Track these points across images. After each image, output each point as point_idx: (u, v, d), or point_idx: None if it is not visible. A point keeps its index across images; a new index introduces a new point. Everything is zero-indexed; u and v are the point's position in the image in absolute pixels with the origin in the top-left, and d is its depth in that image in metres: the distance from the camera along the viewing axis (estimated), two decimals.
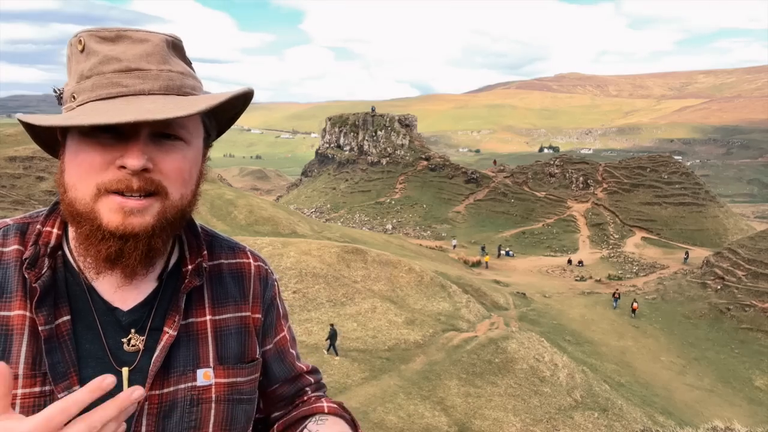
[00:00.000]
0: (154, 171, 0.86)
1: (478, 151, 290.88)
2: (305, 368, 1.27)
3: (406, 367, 18.70)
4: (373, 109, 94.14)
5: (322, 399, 1.23)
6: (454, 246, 57.39)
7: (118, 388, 0.91)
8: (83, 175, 0.86)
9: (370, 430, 14.83)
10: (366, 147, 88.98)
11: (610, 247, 58.85)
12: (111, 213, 0.86)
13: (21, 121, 0.89)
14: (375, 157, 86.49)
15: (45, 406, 0.83)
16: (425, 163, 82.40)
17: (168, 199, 0.89)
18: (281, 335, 1.20)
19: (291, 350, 1.23)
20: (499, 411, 17.32)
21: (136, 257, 0.89)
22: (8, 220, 0.99)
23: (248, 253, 1.16)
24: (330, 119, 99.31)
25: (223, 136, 1.11)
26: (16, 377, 0.87)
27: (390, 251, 33.87)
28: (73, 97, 0.87)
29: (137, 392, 0.75)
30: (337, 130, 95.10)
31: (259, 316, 1.12)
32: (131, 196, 0.85)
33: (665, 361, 29.22)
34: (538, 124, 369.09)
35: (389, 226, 68.68)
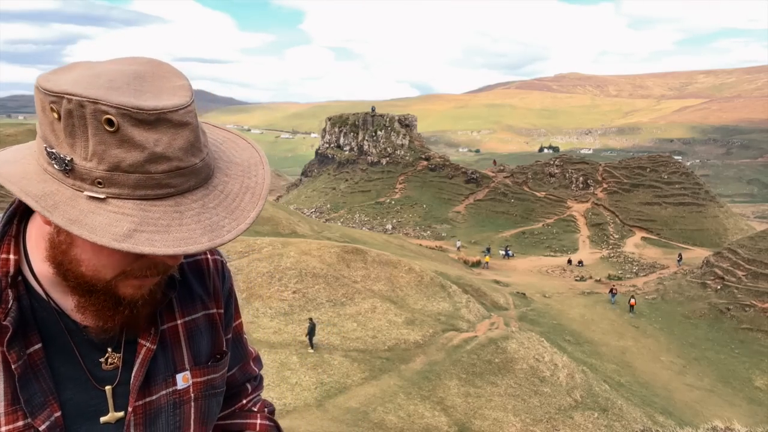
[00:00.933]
0: None
1: (478, 151, 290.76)
2: (253, 353, 1.35)
3: (406, 367, 18.70)
4: (373, 109, 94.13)
5: (257, 413, 1.30)
6: (459, 247, 56.74)
7: (102, 406, 0.94)
8: (111, 264, 0.83)
9: (370, 430, 14.83)
10: (366, 147, 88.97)
11: (610, 247, 58.83)
12: (128, 288, 0.87)
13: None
14: (375, 157, 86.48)
15: None
16: (425, 163, 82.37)
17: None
18: (238, 321, 1.26)
19: (244, 335, 1.30)
20: (499, 411, 17.32)
21: (147, 313, 0.93)
22: None
23: None
24: (330, 119, 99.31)
25: None
26: None
27: (390, 251, 33.87)
28: (99, 183, 0.76)
29: None
30: (337, 130, 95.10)
31: (222, 310, 1.16)
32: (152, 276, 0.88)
33: (665, 361, 29.22)
34: (537, 124, 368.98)
35: (389, 226, 68.67)
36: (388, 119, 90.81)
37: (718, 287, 37.56)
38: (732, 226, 66.10)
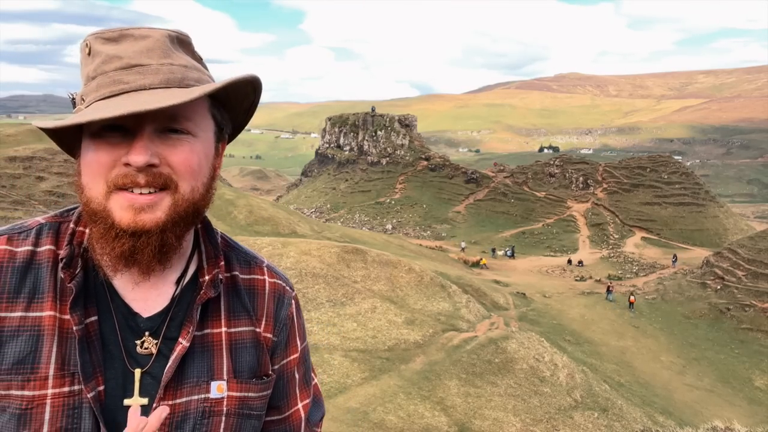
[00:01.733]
0: (162, 165, 0.87)
1: (478, 150, 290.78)
2: (309, 396, 1.21)
3: (406, 367, 18.70)
4: (373, 109, 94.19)
5: None
6: (463, 249, 56.12)
7: (129, 390, 0.95)
8: (94, 174, 0.87)
9: (370, 430, 14.83)
10: (366, 147, 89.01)
11: (610, 247, 58.84)
12: (122, 211, 0.86)
13: (40, 128, 0.93)
14: (375, 157, 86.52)
15: (74, 405, 0.89)
16: (425, 163, 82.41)
17: (178, 192, 0.89)
18: (291, 357, 1.16)
19: (296, 374, 1.17)
20: (499, 411, 17.32)
21: (149, 253, 0.89)
22: (40, 219, 1.00)
23: (265, 269, 1.14)
24: (330, 119, 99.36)
25: None
26: (46, 378, 0.89)
27: (390, 251, 33.87)
28: (82, 100, 0.89)
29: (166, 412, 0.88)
30: (337, 130, 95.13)
31: (271, 335, 1.10)
32: (140, 192, 0.86)
33: (665, 361, 29.22)
34: (537, 123, 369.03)
35: (389, 226, 68.68)
36: (388, 119, 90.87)
37: (718, 287, 37.55)
38: (732, 226, 66.13)
